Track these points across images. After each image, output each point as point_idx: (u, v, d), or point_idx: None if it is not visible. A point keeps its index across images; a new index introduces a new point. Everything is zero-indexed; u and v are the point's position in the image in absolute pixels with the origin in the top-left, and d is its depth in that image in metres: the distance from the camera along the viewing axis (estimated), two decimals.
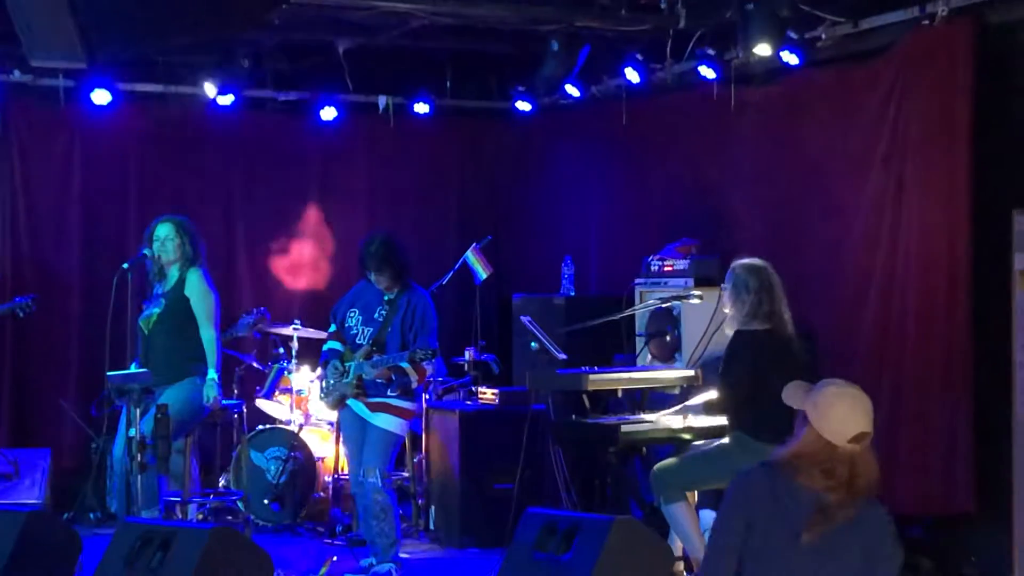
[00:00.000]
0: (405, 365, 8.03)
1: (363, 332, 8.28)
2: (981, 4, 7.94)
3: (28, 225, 10.70)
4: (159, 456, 8.42)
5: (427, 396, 9.37)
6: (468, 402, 9.64)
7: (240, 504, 9.42)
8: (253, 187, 11.27)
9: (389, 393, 8.16)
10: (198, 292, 8.67)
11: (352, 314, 8.40)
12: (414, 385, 8.20)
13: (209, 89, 10.46)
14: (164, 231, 8.72)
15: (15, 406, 10.58)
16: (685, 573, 7.41)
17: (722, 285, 7.79)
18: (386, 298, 8.26)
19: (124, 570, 6.63)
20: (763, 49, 8.37)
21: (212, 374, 8.67)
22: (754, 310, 7.38)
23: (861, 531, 4.46)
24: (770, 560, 4.47)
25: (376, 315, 8.26)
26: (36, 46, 5.42)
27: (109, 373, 8.67)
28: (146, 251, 8.87)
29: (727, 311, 7.63)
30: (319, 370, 8.99)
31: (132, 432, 8.30)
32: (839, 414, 4.50)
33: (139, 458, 8.30)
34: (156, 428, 8.31)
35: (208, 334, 8.67)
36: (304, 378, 9.93)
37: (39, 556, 7.18)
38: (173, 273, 8.80)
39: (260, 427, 9.92)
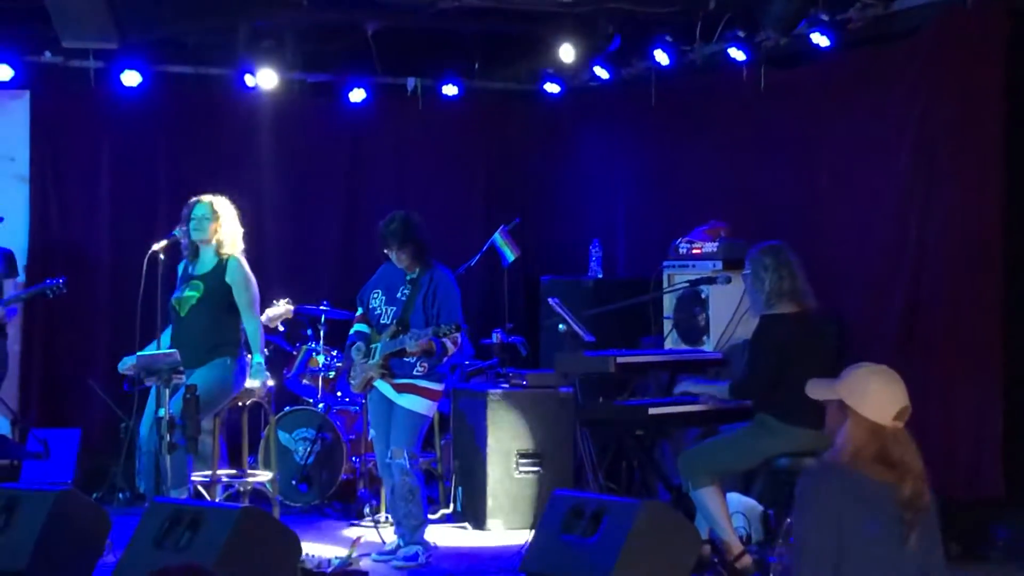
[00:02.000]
0: (436, 339, 8.05)
1: (387, 312, 8.30)
2: None
3: (58, 207, 10.76)
4: (188, 436, 8.45)
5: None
6: (496, 383, 9.64)
7: (268, 485, 9.45)
8: (281, 169, 11.31)
9: (415, 373, 8.17)
10: (241, 280, 8.71)
11: (376, 295, 8.42)
12: (451, 351, 8.22)
13: (267, 75, 10.48)
14: (201, 211, 8.76)
15: (45, 386, 10.65)
16: (712, 557, 7.39)
17: (742, 273, 7.80)
18: (408, 278, 8.28)
19: (153, 549, 6.68)
20: (785, 32, 8.36)
21: (259, 358, 8.77)
22: (776, 288, 7.37)
23: (922, 524, 4.44)
24: (871, 558, 4.41)
25: (399, 295, 8.28)
26: (68, 27, 5.45)
27: (138, 353, 8.72)
28: (176, 232, 8.92)
29: (749, 300, 7.66)
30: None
31: (161, 412, 8.34)
32: (878, 391, 4.47)
33: (168, 438, 8.34)
34: (185, 408, 8.34)
35: (252, 323, 8.75)
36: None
37: (69, 535, 7.23)
38: (208, 255, 8.81)
39: (288, 408, 9.96)
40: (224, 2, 5.42)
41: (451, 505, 9.62)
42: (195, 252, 8.88)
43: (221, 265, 8.80)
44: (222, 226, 8.84)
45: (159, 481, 8.48)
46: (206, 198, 8.94)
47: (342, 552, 7.83)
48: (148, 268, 8.89)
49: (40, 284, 9.63)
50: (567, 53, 10.13)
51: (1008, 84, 8.03)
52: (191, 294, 8.84)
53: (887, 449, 4.42)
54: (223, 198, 8.98)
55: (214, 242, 8.83)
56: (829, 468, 4.52)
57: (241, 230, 8.94)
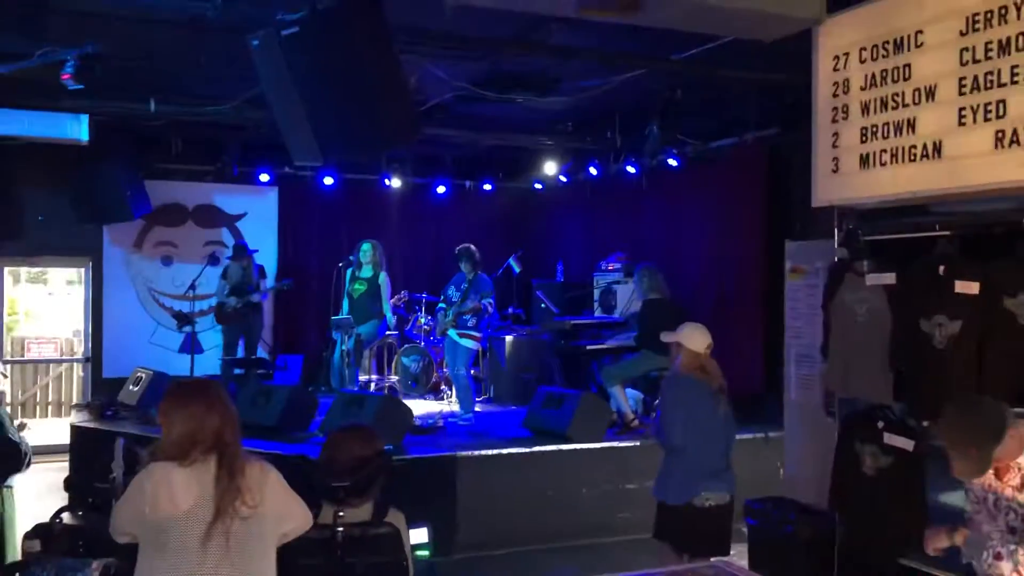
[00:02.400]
0: (483, 303, 8.10)
1: (456, 295, 8.35)
2: (770, 136, 7.92)
3: (292, 244, 10.77)
4: (356, 360, 8.51)
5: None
6: (510, 333, 9.66)
7: (396, 384, 9.48)
8: (403, 227, 11.22)
9: (468, 326, 8.20)
10: (386, 285, 8.93)
11: (451, 288, 8.47)
12: (490, 312, 8.23)
13: (395, 180, 10.41)
14: (366, 246, 8.99)
15: (285, 333, 10.66)
16: (617, 420, 7.41)
17: (633, 280, 7.82)
18: (468, 278, 8.33)
19: (339, 416, 6.73)
20: (654, 157, 8.34)
21: (390, 319, 9.06)
22: (649, 286, 7.41)
23: (724, 401, 4.46)
24: (702, 421, 4.42)
25: (463, 286, 8.33)
26: (296, 153, 5.45)
27: (332, 318, 8.78)
28: (351, 257, 9.02)
29: (636, 292, 7.69)
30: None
31: (343, 347, 8.39)
32: (697, 338, 4.51)
33: (347, 360, 8.39)
34: (355, 346, 8.42)
35: (386, 304, 9.01)
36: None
37: (298, 409, 7.33)
38: (368, 269, 8.94)
39: (406, 345, 9.98)
40: (373, 141, 5.43)
41: (487, 394, 9.64)
42: (360, 266, 8.94)
43: (375, 275, 8.90)
44: (375, 254, 8.92)
45: (343, 382, 8.53)
46: (367, 240, 9.02)
47: (432, 418, 7.88)
48: (336, 275, 8.93)
49: (278, 283, 9.65)
50: (549, 168, 10.12)
51: (767, 187, 8.04)
52: (359, 287, 8.92)
53: (703, 364, 4.45)
54: (376, 241, 9.05)
55: (371, 263, 8.89)
56: (676, 375, 4.57)
57: (384, 256, 9.04)
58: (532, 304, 10.54)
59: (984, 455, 2.91)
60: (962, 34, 4.02)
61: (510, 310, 10.08)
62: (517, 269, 10.00)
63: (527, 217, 11.72)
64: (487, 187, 11.28)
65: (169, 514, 2.64)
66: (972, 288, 4.03)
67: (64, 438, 8.05)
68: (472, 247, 8.41)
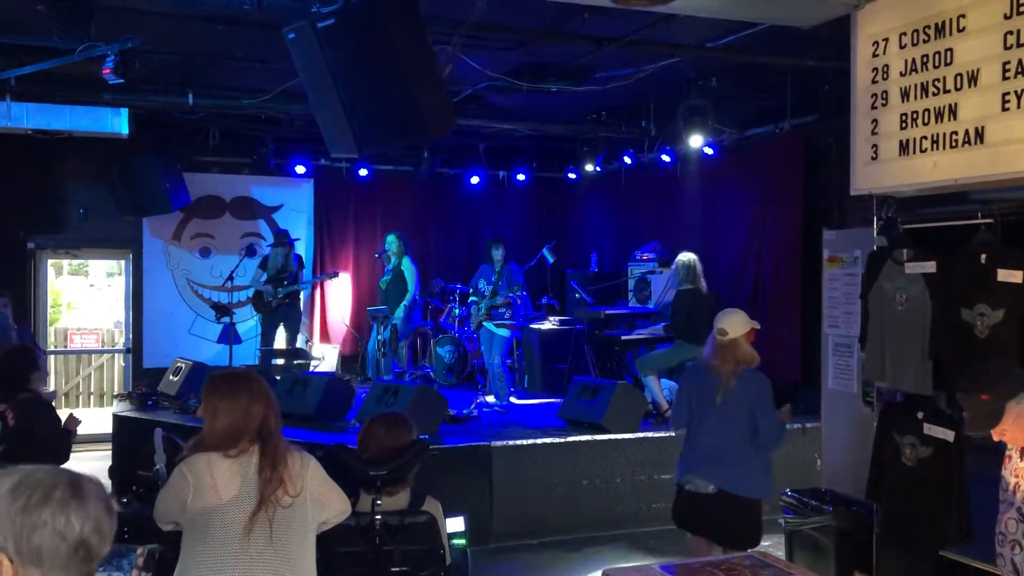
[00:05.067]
0: (511, 296, 8.12)
1: (487, 287, 8.37)
2: (807, 124, 7.84)
3: (328, 235, 10.83)
4: (392, 349, 8.56)
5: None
6: (544, 323, 9.65)
7: (432, 373, 9.52)
8: (437, 217, 11.30)
9: (505, 318, 8.22)
10: (411, 272, 8.95)
11: (482, 281, 8.51)
12: (519, 302, 8.25)
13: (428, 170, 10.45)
14: (391, 238, 9.03)
15: (322, 325, 10.75)
16: (652, 411, 7.38)
17: (671, 269, 7.78)
18: (496, 269, 8.37)
19: (375, 405, 6.79)
20: (695, 142, 8.26)
21: (411, 292, 9.16)
22: (685, 276, 7.36)
23: (746, 394, 4.38)
24: (702, 414, 4.42)
25: (492, 278, 8.37)
26: (333, 145, 5.48)
27: (369, 308, 8.84)
28: (384, 250, 9.09)
29: (671, 282, 7.65)
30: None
31: (379, 337, 8.45)
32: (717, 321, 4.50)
33: (382, 350, 8.45)
34: (390, 335, 8.45)
35: (411, 284, 9.08)
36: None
37: (334, 398, 7.38)
38: (394, 259, 8.98)
39: (441, 335, 10.01)
40: (408, 133, 5.45)
41: (521, 384, 9.66)
42: (389, 259, 9.01)
43: (399, 264, 8.97)
44: (400, 245, 9.02)
45: (379, 371, 8.59)
46: (394, 232, 9.12)
47: (467, 406, 7.89)
48: (373, 266, 8.95)
49: (329, 273, 9.69)
50: (583, 157, 10.07)
51: (804, 175, 7.95)
52: (388, 278, 9.00)
53: (718, 350, 4.46)
54: (399, 232, 9.15)
55: (396, 253, 8.97)
56: (695, 364, 4.64)
57: (408, 244, 9.14)
58: (567, 294, 10.52)
59: (995, 405, 2.88)
60: (1006, 17, 3.94)
61: (544, 300, 10.08)
62: (551, 259, 9.98)
63: (561, 207, 11.69)
64: (521, 177, 11.28)
65: (212, 504, 2.67)
66: (1015, 276, 3.96)
67: (107, 427, 8.20)
68: (500, 238, 8.44)
